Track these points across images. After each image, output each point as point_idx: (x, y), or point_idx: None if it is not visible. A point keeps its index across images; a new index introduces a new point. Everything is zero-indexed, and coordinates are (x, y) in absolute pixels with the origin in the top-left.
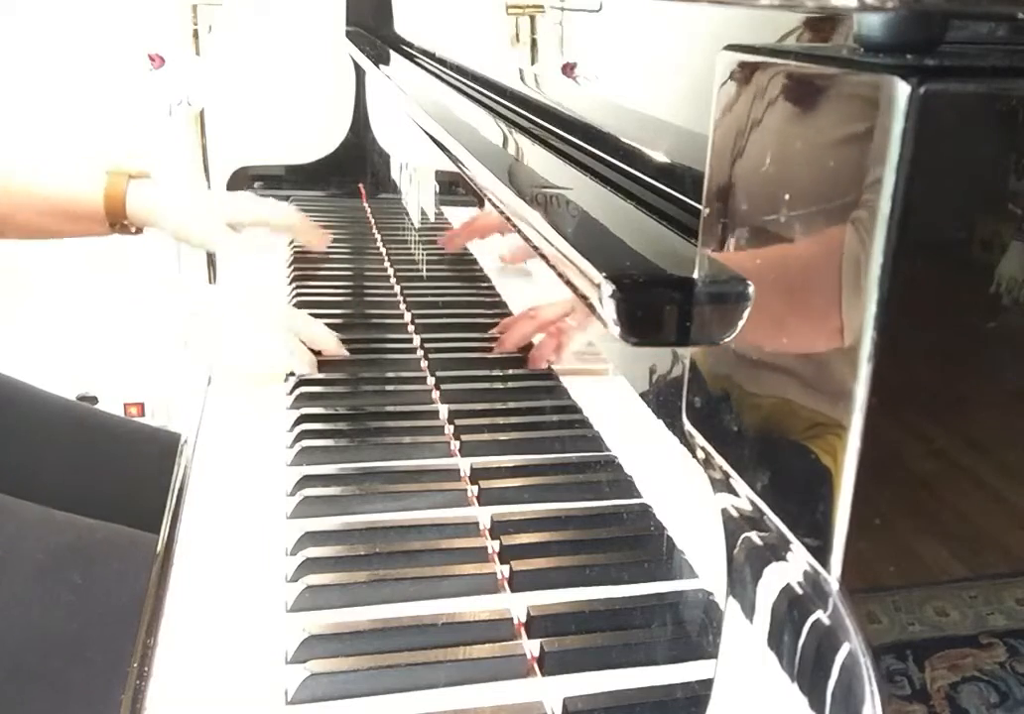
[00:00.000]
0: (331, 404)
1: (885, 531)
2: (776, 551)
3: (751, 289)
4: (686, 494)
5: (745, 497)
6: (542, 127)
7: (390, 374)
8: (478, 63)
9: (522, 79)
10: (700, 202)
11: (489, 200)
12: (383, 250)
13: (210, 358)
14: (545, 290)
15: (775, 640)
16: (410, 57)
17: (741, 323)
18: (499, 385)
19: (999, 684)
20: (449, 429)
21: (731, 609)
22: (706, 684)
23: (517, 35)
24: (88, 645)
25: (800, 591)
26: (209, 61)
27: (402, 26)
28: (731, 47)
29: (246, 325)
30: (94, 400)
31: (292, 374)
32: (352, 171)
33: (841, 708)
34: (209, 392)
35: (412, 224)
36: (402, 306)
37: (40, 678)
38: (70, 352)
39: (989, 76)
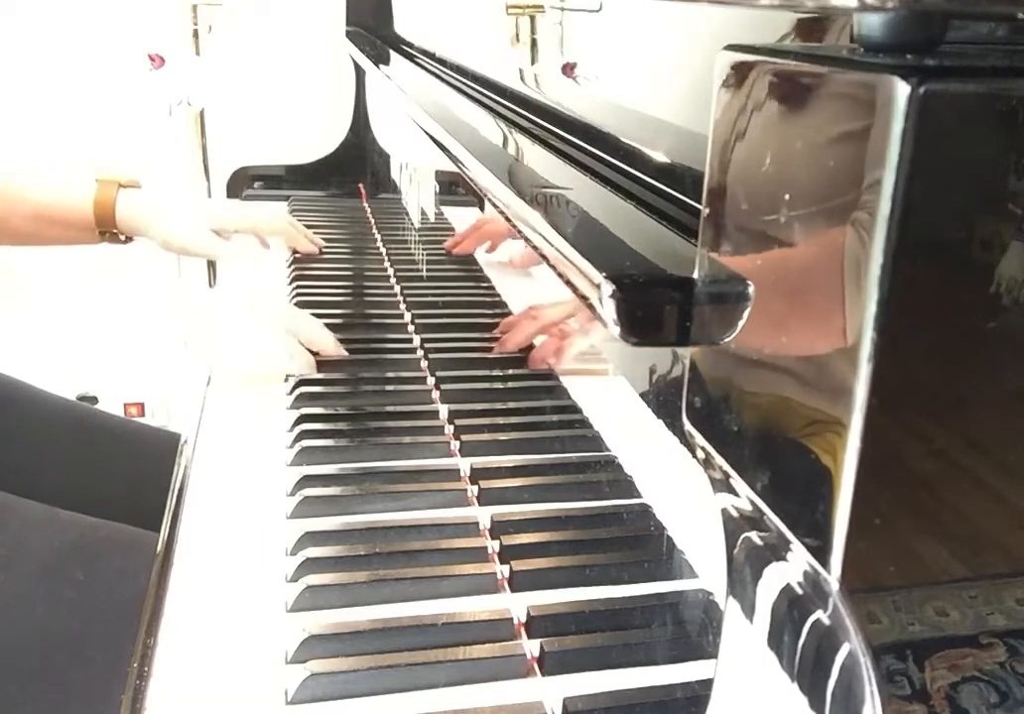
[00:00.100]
0: (331, 404)
1: (885, 531)
2: (776, 551)
3: (751, 289)
4: (686, 494)
5: (745, 497)
6: (542, 127)
7: (390, 374)
8: (478, 63)
9: (522, 79)
10: (700, 202)
11: (489, 200)
12: (383, 250)
13: (210, 358)
14: (546, 290)
15: (775, 640)
16: (410, 57)
17: (741, 323)
18: (499, 385)
19: (999, 684)
20: (449, 429)
21: (731, 609)
22: (706, 684)
23: (517, 35)
24: (90, 643)
25: (800, 591)
26: (209, 61)
27: (402, 26)
28: (731, 47)
29: (246, 325)
30: (94, 400)
31: (291, 374)
32: (352, 171)
33: (841, 708)
34: (209, 392)
35: (412, 224)
36: (402, 306)
37: (42, 676)
38: (70, 352)
39: (989, 76)
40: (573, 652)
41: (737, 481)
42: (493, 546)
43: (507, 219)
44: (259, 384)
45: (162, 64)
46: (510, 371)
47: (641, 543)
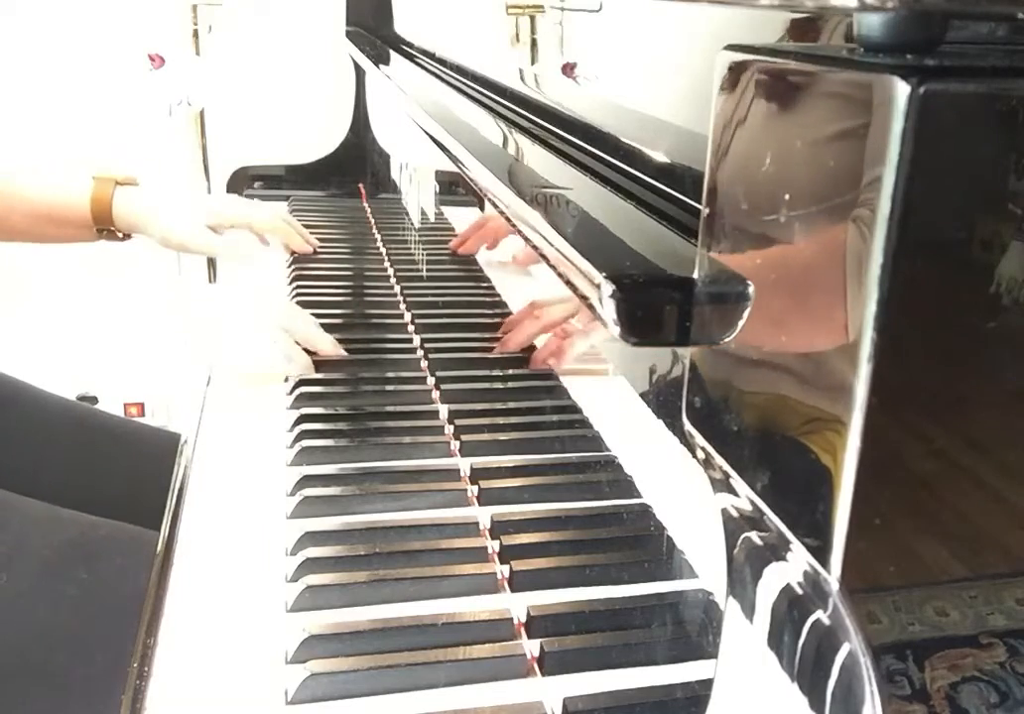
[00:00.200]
0: (331, 404)
1: (885, 531)
2: (776, 551)
3: (751, 289)
4: (686, 494)
5: (745, 497)
6: (542, 127)
7: (390, 374)
8: (478, 63)
9: (522, 79)
10: (700, 202)
11: (489, 200)
12: (383, 250)
13: (210, 356)
14: (546, 290)
15: (775, 640)
16: (410, 57)
17: (741, 323)
18: (499, 385)
19: (999, 684)
20: (449, 429)
21: (731, 609)
22: (706, 684)
23: (517, 35)
24: (91, 641)
25: (800, 591)
26: (209, 61)
27: (402, 26)
28: (731, 47)
29: (244, 326)
30: (94, 400)
31: (289, 375)
32: (352, 171)
33: (841, 708)
34: (209, 392)
35: (412, 224)
36: (402, 306)
37: (43, 675)
38: (70, 352)
39: (989, 76)
40: (573, 652)
41: (737, 481)
42: (493, 546)
43: (507, 219)
44: (259, 384)
45: (162, 64)
46: (510, 371)
47: (641, 543)
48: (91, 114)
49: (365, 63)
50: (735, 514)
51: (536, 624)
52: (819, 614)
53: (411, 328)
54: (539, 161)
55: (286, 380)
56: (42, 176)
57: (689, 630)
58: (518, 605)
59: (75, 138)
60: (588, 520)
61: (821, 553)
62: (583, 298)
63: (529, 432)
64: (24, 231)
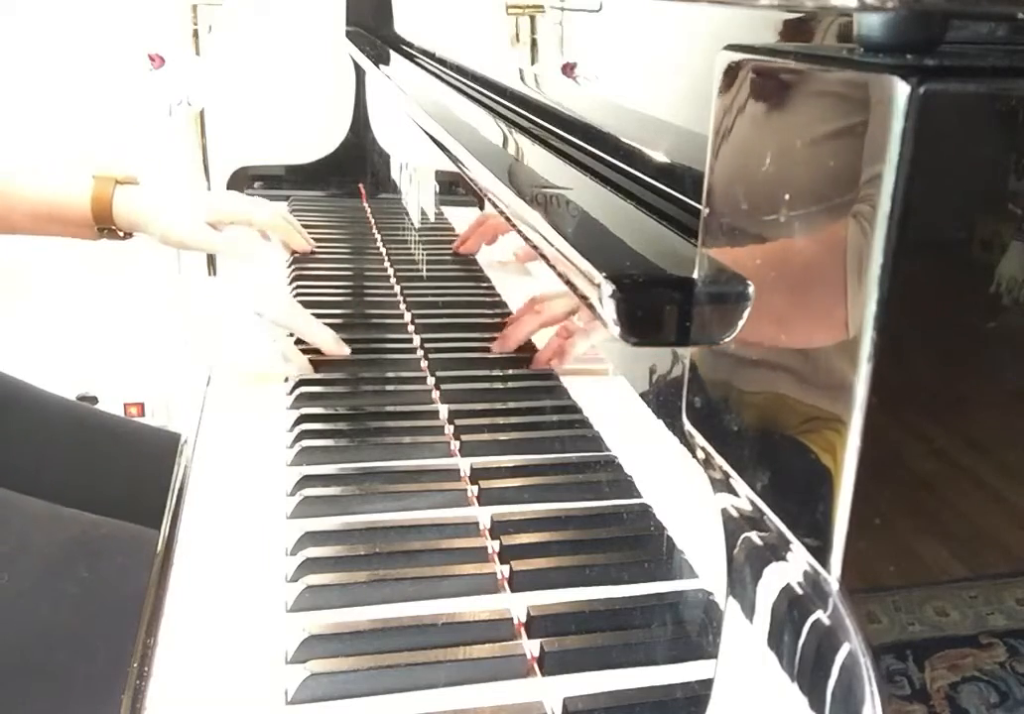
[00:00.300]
0: (331, 404)
1: (885, 531)
2: (776, 551)
3: (751, 289)
4: (686, 494)
5: (745, 497)
6: (542, 127)
7: (390, 374)
8: (478, 63)
9: (522, 79)
10: (700, 202)
11: (489, 200)
12: (383, 250)
13: (210, 354)
14: (546, 289)
15: (775, 640)
16: (410, 57)
17: (741, 323)
18: (499, 385)
19: (999, 684)
20: (449, 429)
21: (731, 609)
22: (706, 684)
23: (517, 35)
24: (93, 640)
25: (800, 591)
26: (209, 61)
27: (402, 26)
28: (731, 47)
29: (244, 323)
30: (94, 400)
31: (288, 376)
32: (352, 171)
33: (841, 708)
34: (209, 392)
35: (412, 224)
36: (402, 306)
37: (44, 674)
38: (70, 352)
39: (989, 76)
40: (573, 652)
41: (737, 481)
42: (493, 546)
43: (507, 219)
44: (259, 384)
45: (162, 64)
46: (510, 371)
47: (641, 543)
48: (91, 114)
49: (365, 63)
50: (735, 514)
51: (536, 624)
52: (819, 614)
53: (411, 328)
54: (539, 161)
55: (286, 380)
56: (43, 175)
57: (689, 630)
58: (518, 605)
59: (75, 138)
60: (588, 520)
61: (821, 553)
62: (583, 298)
63: (529, 432)
64: (25, 229)
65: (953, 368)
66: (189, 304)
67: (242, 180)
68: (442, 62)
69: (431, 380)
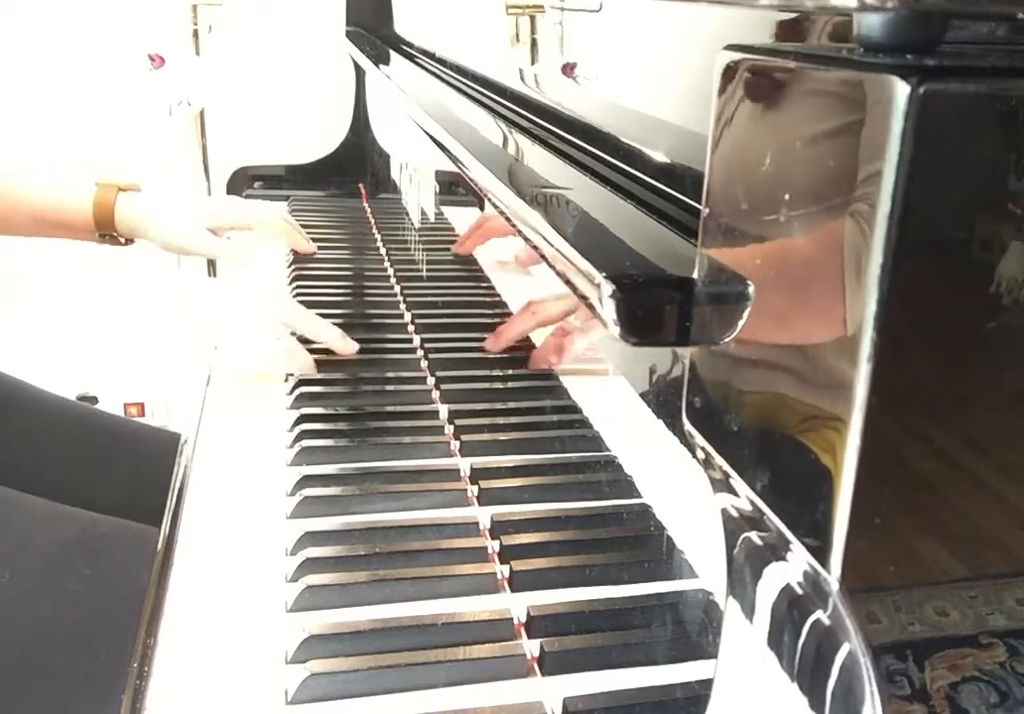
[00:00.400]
0: (331, 404)
1: (885, 531)
2: (776, 551)
3: (751, 289)
4: (686, 494)
5: (745, 497)
6: (542, 127)
7: (390, 374)
8: (478, 63)
9: (522, 79)
10: (700, 202)
11: (489, 200)
12: (383, 250)
13: (209, 354)
14: (546, 290)
15: (775, 640)
16: (410, 57)
17: (741, 323)
18: (499, 385)
19: (999, 684)
20: (449, 429)
21: (731, 609)
22: (706, 684)
23: (517, 35)
24: (94, 638)
25: (800, 591)
26: (209, 61)
27: (402, 26)
28: (731, 47)
29: (245, 323)
30: (94, 400)
31: (291, 374)
32: (352, 171)
33: (841, 708)
34: (209, 392)
35: (412, 224)
36: (402, 306)
37: (45, 672)
38: (70, 352)
39: (989, 76)
40: (573, 652)
41: (737, 481)
42: (493, 546)
43: (507, 219)
44: (259, 384)
45: (162, 64)
46: (510, 371)
47: (641, 543)
48: (91, 114)
49: (365, 63)
50: (735, 514)
51: (536, 624)
52: (819, 614)
53: (411, 328)
54: (539, 161)
55: (286, 380)
56: (44, 177)
57: (689, 630)
58: (518, 605)
59: (75, 138)
60: (588, 520)
61: (821, 553)
62: (583, 298)
63: (529, 432)
64: (27, 231)
65: (953, 368)
66: (189, 302)
67: (242, 180)
68: (442, 62)
69: (431, 380)
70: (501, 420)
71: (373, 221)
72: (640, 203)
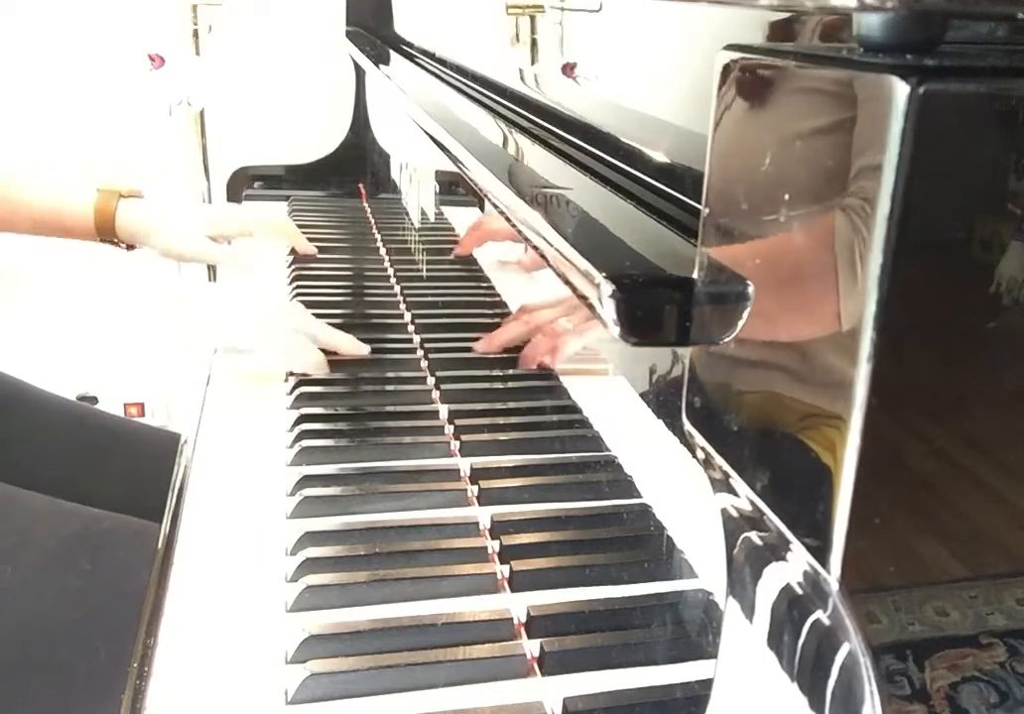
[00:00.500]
0: (331, 404)
1: (885, 531)
2: (776, 551)
3: (751, 289)
4: (686, 494)
5: (745, 497)
6: (542, 127)
7: (390, 374)
8: (478, 63)
9: (522, 79)
10: (700, 202)
11: (489, 200)
12: (383, 250)
13: (208, 356)
14: (545, 291)
15: (775, 640)
16: (410, 57)
17: (741, 323)
18: (499, 385)
19: (999, 684)
20: (449, 429)
21: (731, 609)
22: (706, 684)
23: (517, 35)
24: (95, 635)
25: (800, 591)
26: (209, 61)
27: (402, 26)
28: (731, 47)
29: (245, 324)
30: (94, 400)
31: (292, 374)
32: (352, 171)
33: (841, 708)
34: (209, 392)
35: (412, 224)
36: (402, 306)
37: (46, 669)
38: (70, 352)
39: (989, 76)
40: (573, 652)
41: (737, 481)
42: (493, 546)
43: (507, 219)
44: (259, 384)
45: (162, 64)
46: (510, 371)
47: (641, 543)
48: (91, 114)
49: (365, 63)
50: (735, 514)
51: (536, 624)
52: (819, 614)
53: (411, 328)
54: (539, 161)
55: (286, 380)
56: (44, 180)
57: (689, 630)
58: (518, 605)
59: (75, 138)
60: (588, 520)
61: (821, 553)
62: (583, 298)
63: (529, 432)
64: (27, 231)
65: (953, 368)
66: (189, 304)
67: (242, 180)
68: (442, 62)
69: (431, 380)
70: (501, 420)
71: (373, 221)
72: (640, 203)
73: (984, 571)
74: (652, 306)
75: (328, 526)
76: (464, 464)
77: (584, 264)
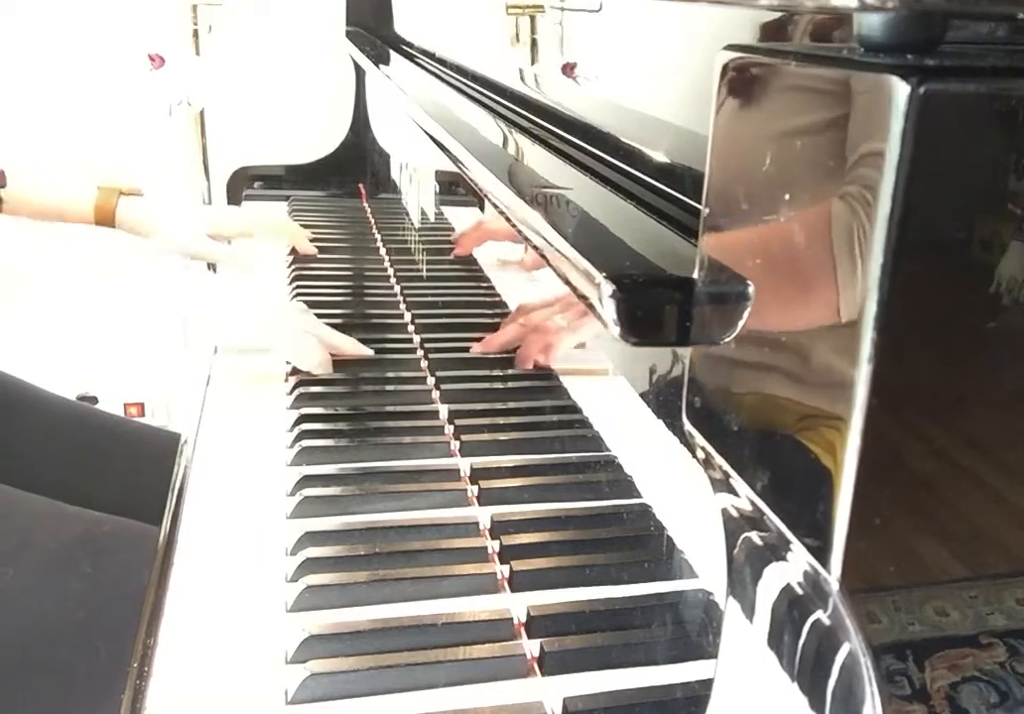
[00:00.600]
0: (331, 404)
1: (885, 531)
2: (776, 551)
3: (751, 289)
4: (686, 494)
5: (745, 497)
6: (542, 127)
7: (390, 374)
8: (478, 63)
9: (522, 79)
10: (700, 202)
11: (489, 200)
12: (383, 250)
13: (210, 356)
14: (545, 291)
15: (775, 640)
16: (410, 57)
17: (741, 323)
18: (499, 385)
19: (999, 684)
20: (449, 429)
21: (731, 609)
22: (706, 684)
23: (517, 35)
24: (95, 636)
25: (800, 591)
26: (209, 61)
27: (402, 26)
28: (731, 47)
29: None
30: (94, 400)
31: (292, 374)
32: (352, 171)
33: (841, 708)
34: (209, 392)
35: (412, 224)
36: (402, 306)
37: (47, 670)
38: (70, 352)
39: (989, 76)
40: (573, 652)
41: (737, 481)
42: (493, 546)
43: (507, 219)
44: (259, 384)
45: (162, 64)
46: (510, 371)
47: (641, 543)
48: (91, 114)
49: (365, 63)
50: (735, 514)
51: (536, 624)
52: (819, 614)
53: (411, 328)
54: (539, 161)
55: (286, 380)
56: (44, 178)
57: (689, 630)
58: (518, 605)
59: (75, 138)
60: (588, 520)
61: (821, 553)
62: (583, 298)
63: (529, 432)
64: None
65: (953, 368)
66: (189, 300)
67: (242, 180)
68: (442, 62)
69: (431, 380)
70: (501, 420)
71: (373, 221)
72: (640, 203)
73: (984, 571)
74: (652, 306)
75: (328, 526)
76: (464, 464)
77: (584, 264)
